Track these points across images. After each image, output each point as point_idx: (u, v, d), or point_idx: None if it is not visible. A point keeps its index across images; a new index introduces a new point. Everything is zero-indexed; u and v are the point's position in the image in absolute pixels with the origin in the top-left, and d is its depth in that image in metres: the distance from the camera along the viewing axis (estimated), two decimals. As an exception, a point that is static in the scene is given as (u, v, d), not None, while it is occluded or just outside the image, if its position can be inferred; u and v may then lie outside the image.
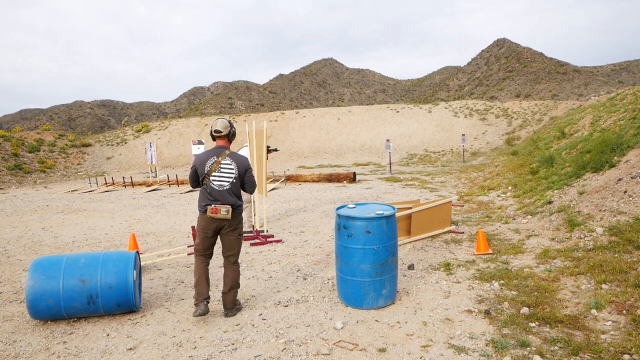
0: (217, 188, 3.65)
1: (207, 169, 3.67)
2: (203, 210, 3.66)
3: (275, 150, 8.42)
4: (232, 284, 3.76)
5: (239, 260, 3.85)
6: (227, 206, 3.62)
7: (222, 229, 3.72)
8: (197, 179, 3.76)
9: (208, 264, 3.80)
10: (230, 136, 3.82)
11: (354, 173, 14.28)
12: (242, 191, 3.89)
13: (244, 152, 7.50)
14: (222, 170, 3.68)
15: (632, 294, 3.47)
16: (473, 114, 29.16)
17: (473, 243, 5.74)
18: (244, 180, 3.79)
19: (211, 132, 3.76)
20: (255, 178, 7.20)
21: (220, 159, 3.69)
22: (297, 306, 3.95)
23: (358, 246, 3.69)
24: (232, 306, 3.79)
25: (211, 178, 3.66)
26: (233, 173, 3.70)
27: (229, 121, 3.77)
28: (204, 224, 3.67)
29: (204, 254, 3.76)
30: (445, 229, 6.33)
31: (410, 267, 4.85)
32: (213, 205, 3.60)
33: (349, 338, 3.27)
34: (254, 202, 7.42)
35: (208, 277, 3.76)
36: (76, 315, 3.77)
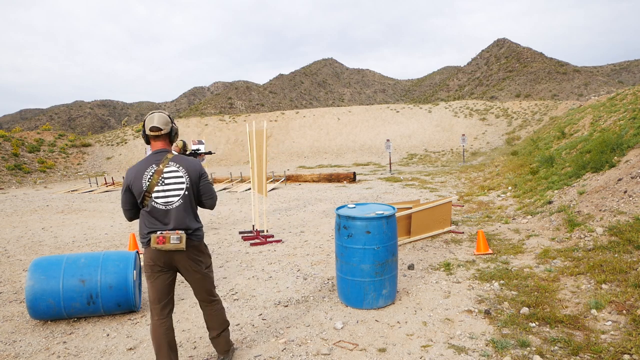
0: (163, 207, 2.61)
1: (145, 183, 2.60)
2: (146, 241, 2.65)
3: (210, 153, 7.11)
4: (219, 325, 2.93)
5: (217, 293, 2.88)
6: (179, 232, 2.59)
7: (179, 265, 2.71)
8: (134, 203, 2.68)
9: (170, 322, 2.75)
10: (172, 135, 2.78)
11: (354, 173, 14.28)
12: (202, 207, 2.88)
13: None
14: (166, 182, 2.63)
15: (632, 294, 3.47)
16: (473, 114, 29.15)
17: (473, 243, 5.74)
18: (199, 191, 2.75)
19: (144, 130, 2.72)
20: (256, 178, 7.24)
21: (162, 166, 2.63)
22: (297, 306, 3.95)
23: (358, 246, 3.69)
24: (227, 348, 2.99)
25: (153, 195, 2.60)
26: (183, 183, 2.66)
27: (169, 116, 2.79)
28: (150, 261, 2.66)
29: (160, 305, 2.70)
30: (445, 229, 6.33)
31: (410, 267, 4.85)
32: (158, 232, 2.59)
33: (349, 338, 3.27)
34: (254, 202, 7.41)
35: (173, 342, 2.75)
36: (76, 315, 3.78)
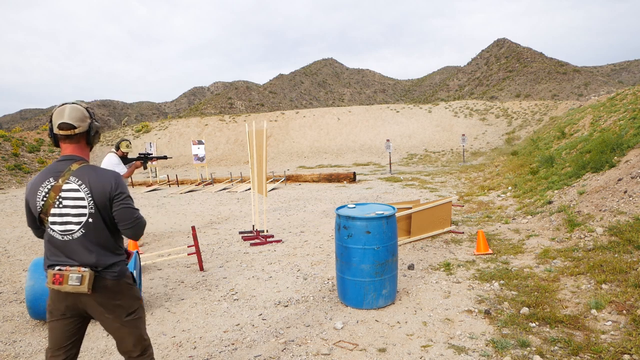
0: (60, 237, 2.01)
1: (40, 202, 2.01)
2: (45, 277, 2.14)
3: (164, 157, 6.62)
4: None
5: (150, 346, 2.25)
6: (82, 269, 1.97)
7: (88, 311, 2.08)
8: (34, 221, 2.09)
9: None
10: (90, 136, 2.12)
11: (354, 173, 14.28)
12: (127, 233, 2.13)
13: (109, 160, 5.79)
14: (64, 203, 2.00)
15: (632, 294, 3.47)
16: (473, 114, 29.15)
17: (473, 243, 5.74)
18: (113, 215, 2.05)
19: (51, 129, 2.06)
20: (256, 178, 7.23)
21: (61, 181, 2.00)
22: (297, 306, 3.95)
23: (358, 246, 3.69)
24: None
25: (49, 219, 2.01)
26: (84, 208, 2.00)
27: (89, 109, 2.12)
28: (50, 302, 2.09)
29: (55, 354, 2.10)
30: (445, 229, 6.33)
31: (410, 267, 4.85)
32: (57, 268, 1.99)
33: (349, 338, 3.27)
34: (254, 202, 7.40)
35: None
36: (76, 315, 3.77)
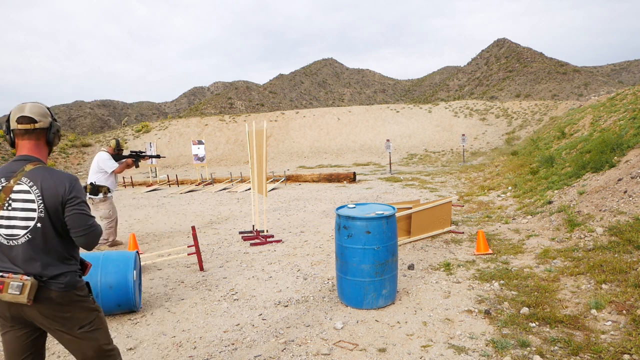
0: (5, 242, 1.89)
1: None
2: None
3: (158, 157, 6.70)
4: None
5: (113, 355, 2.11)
6: (25, 277, 1.83)
7: (35, 323, 1.93)
8: None
9: None
10: (50, 135, 2.02)
11: (354, 173, 14.28)
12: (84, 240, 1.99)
13: (100, 156, 5.96)
14: (13, 205, 1.89)
15: (632, 294, 3.47)
16: (473, 114, 29.15)
17: (473, 243, 5.74)
18: (65, 221, 1.92)
19: (7, 125, 1.98)
20: (256, 178, 7.22)
21: (12, 182, 1.90)
22: (297, 306, 3.95)
23: (358, 246, 3.69)
24: None
25: None
26: (33, 212, 1.89)
27: (49, 109, 2.05)
28: None
29: None
30: (445, 229, 6.33)
31: (410, 267, 4.85)
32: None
33: (349, 338, 3.27)
34: (254, 202, 7.40)
35: None
36: (76, 315, 3.77)
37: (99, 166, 6.02)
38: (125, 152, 6.18)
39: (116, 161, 6.07)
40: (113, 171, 6.01)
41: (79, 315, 1.97)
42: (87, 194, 5.83)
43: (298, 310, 3.86)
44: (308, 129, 29.48)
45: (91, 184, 5.93)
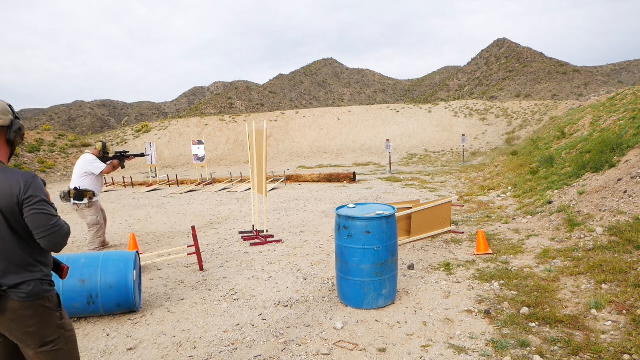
0: None
1: None
2: None
3: (142, 155, 6.65)
4: None
5: None
6: None
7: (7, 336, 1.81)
8: None
9: None
10: (11, 133, 1.89)
11: (354, 173, 14.28)
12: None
13: (85, 158, 5.78)
14: None
15: (632, 294, 3.47)
16: (473, 114, 29.16)
17: (473, 243, 5.74)
18: (26, 223, 1.78)
19: None
20: (256, 178, 7.22)
21: None
22: (297, 306, 3.95)
23: (358, 246, 3.69)
24: None
25: None
26: None
27: (11, 107, 1.94)
28: None
29: None
30: (445, 229, 6.33)
31: (410, 267, 4.85)
32: None
33: (349, 338, 3.27)
34: (254, 202, 7.39)
35: None
36: (76, 315, 3.77)
37: (85, 169, 5.73)
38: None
39: (104, 162, 5.87)
40: (101, 172, 5.81)
41: (42, 331, 1.79)
42: (72, 199, 5.57)
43: (298, 310, 3.86)
44: (308, 129, 29.48)
45: (75, 188, 5.63)
